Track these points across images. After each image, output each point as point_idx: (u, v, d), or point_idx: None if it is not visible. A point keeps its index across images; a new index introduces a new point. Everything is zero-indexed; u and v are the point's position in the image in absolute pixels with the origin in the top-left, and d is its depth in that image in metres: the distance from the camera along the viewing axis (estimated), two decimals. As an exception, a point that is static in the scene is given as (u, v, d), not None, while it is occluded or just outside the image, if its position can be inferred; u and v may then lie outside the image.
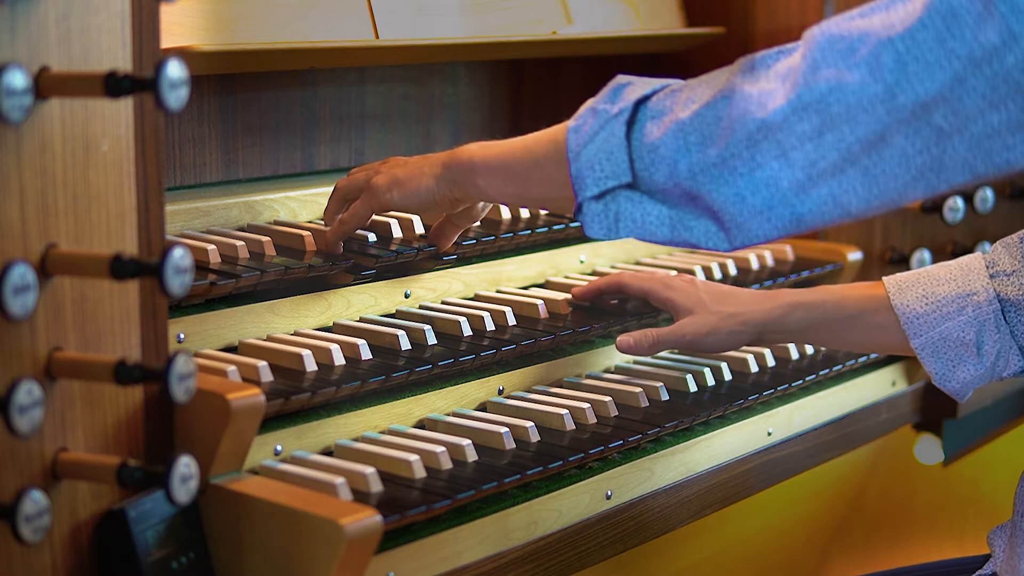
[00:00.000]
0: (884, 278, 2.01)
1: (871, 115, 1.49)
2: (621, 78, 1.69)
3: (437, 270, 2.10)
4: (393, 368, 1.83)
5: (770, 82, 1.55)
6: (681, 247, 1.68)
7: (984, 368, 1.95)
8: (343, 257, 1.96)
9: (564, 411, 1.91)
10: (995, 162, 1.47)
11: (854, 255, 2.54)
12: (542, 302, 2.10)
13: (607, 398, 1.97)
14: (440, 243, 2.03)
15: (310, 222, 2.10)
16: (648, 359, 2.20)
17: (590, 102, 1.70)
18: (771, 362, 2.25)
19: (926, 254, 2.67)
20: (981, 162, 1.47)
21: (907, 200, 1.53)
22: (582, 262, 2.35)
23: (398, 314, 2.04)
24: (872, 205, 1.53)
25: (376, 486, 1.65)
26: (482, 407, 1.97)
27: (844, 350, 2.30)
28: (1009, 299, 1.92)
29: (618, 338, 2.05)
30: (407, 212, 1.95)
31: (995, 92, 1.44)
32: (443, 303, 2.11)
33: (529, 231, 2.19)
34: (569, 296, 2.14)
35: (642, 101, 1.66)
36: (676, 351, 2.22)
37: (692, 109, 1.60)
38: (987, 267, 1.96)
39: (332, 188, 2.17)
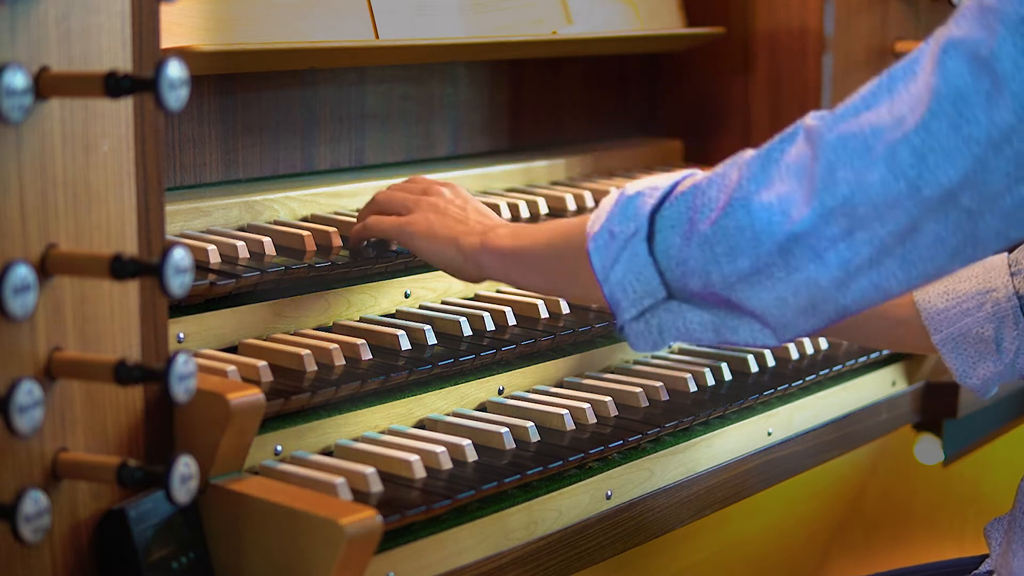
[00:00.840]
0: None
1: (899, 210, 1.47)
2: (629, 189, 1.65)
3: (437, 270, 2.11)
4: (393, 368, 1.83)
5: (785, 183, 1.52)
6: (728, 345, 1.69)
7: (1003, 365, 1.97)
8: (343, 257, 1.96)
9: (564, 411, 1.91)
10: None
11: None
12: (542, 302, 2.10)
13: (607, 398, 1.97)
14: None
15: (310, 222, 2.10)
16: (648, 359, 2.20)
17: (605, 213, 1.65)
18: (771, 362, 2.25)
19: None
20: (1015, 229, 1.46)
21: (948, 272, 1.52)
22: (582, 262, 2.35)
23: (398, 314, 2.04)
24: (914, 285, 1.52)
25: (376, 486, 1.65)
26: (482, 407, 1.96)
27: (870, 345, 2.32)
28: None
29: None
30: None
31: (1020, 168, 1.41)
32: (443, 303, 2.11)
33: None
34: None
35: (655, 211, 1.62)
36: (674, 350, 2.22)
37: (711, 219, 1.56)
38: (1009, 265, 1.98)
39: (332, 188, 2.18)
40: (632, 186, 1.65)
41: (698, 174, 1.64)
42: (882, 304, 1.57)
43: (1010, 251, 2.01)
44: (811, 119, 1.53)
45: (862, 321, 2.03)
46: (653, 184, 1.64)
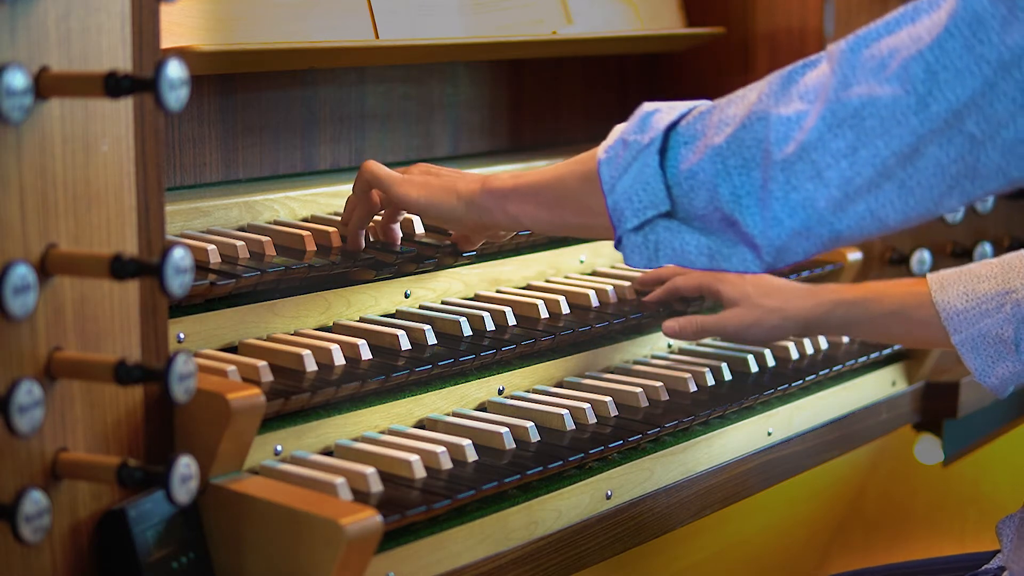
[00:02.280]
0: (928, 274, 2.08)
1: (905, 127, 1.48)
2: (648, 106, 1.68)
3: (437, 270, 2.11)
4: (393, 368, 1.83)
5: (802, 102, 1.54)
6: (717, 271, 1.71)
7: (1022, 365, 2.00)
8: (343, 257, 1.96)
9: (564, 411, 1.91)
10: None
11: (854, 255, 2.54)
12: (542, 302, 2.10)
13: (607, 398, 1.97)
14: (464, 246, 2.04)
15: (310, 222, 2.10)
16: (648, 358, 2.21)
17: (619, 131, 1.69)
18: (771, 362, 2.25)
19: (926, 254, 2.67)
20: (1015, 167, 1.47)
21: (944, 210, 1.53)
22: (582, 262, 2.35)
23: (398, 314, 2.04)
24: (909, 217, 1.53)
25: (376, 486, 1.65)
26: (482, 407, 1.97)
27: (890, 343, 2.38)
28: None
29: (664, 323, 2.13)
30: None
31: None
32: (443, 303, 2.11)
33: (529, 231, 2.19)
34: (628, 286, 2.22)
35: (672, 127, 1.64)
36: (689, 345, 2.22)
37: (727, 133, 1.58)
38: None
39: (332, 188, 2.18)
40: (650, 104, 1.68)
41: (721, 100, 1.65)
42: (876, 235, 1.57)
43: None
44: (834, 44, 1.55)
45: (883, 322, 2.07)
46: (672, 104, 1.67)
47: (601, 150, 1.69)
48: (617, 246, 1.68)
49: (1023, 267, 1.99)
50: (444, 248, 2.05)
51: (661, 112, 1.66)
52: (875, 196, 1.52)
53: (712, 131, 1.60)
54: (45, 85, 1.37)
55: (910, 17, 1.52)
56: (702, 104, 1.66)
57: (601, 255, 2.37)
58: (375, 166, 1.94)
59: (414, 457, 1.71)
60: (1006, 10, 1.42)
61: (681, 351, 2.27)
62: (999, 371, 2.01)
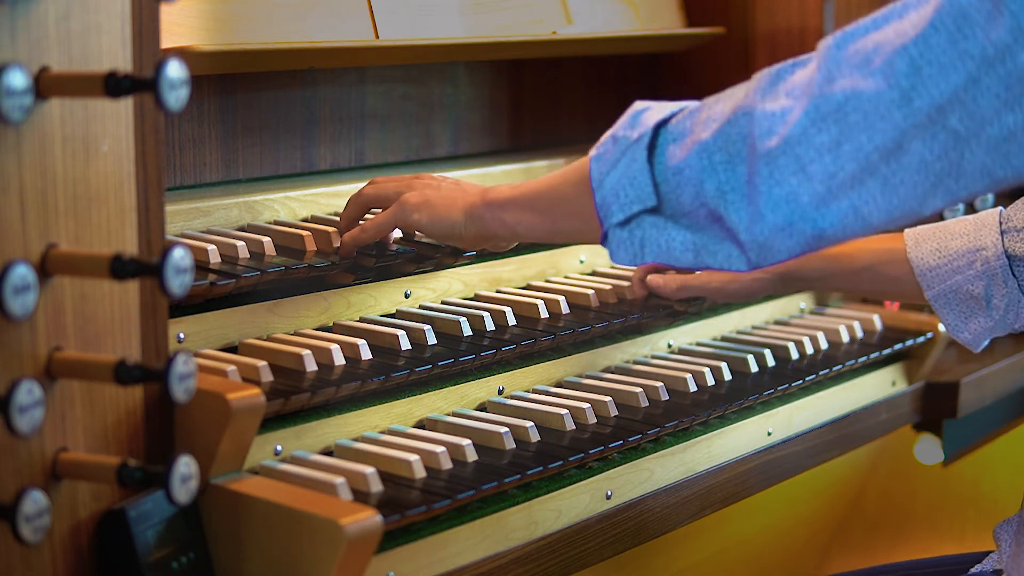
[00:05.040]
0: (906, 230, 2.11)
1: (888, 121, 1.48)
2: (639, 104, 1.68)
3: (437, 270, 2.11)
4: (393, 368, 1.83)
5: (788, 98, 1.54)
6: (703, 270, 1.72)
7: (994, 321, 2.05)
8: (343, 257, 1.96)
9: (564, 411, 1.91)
10: (1014, 165, 1.46)
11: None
12: (542, 302, 2.10)
13: (607, 398, 1.97)
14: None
15: (310, 222, 2.10)
16: (648, 358, 2.20)
17: (611, 130, 1.70)
18: (771, 362, 2.25)
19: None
20: (1000, 166, 1.46)
21: (928, 210, 1.52)
22: (582, 262, 2.35)
23: (398, 314, 2.04)
24: (894, 216, 1.52)
25: (376, 486, 1.65)
26: (482, 407, 1.97)
27: (867, 296, 2.45)
28: (1016, 255, 2.01)
29: (649, 277, 2.19)
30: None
31: (1009, 92, 1.43)
32: (443, 303, 2.11)
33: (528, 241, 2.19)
34: (624, 286, 2.24)
35: (661, 124, 1.65)
36: (676, 350, 2.22)
37: (713, 128, 1.58)
38: (1000, 223, 2.03)
39: (332, 188, 2.18)
40: (641, 102, 1.69)
41: (710, 99, 1.66)
42: (864, 235, 1.57)
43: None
44: (822, 41, 1.56)
45: (856, 276, 2.13)
46: (663, 103, 1.68)
47: (592, 150, 1.69)
48: (603, 242, 1.68)
49: (995, 225, 2.02)
50: (444, 248, 2.05)
51: (652, 110, 1.66)
52: (858, 193, 1.51)
53: (699, 127, 1.60)
54: (45, 85, 1.37)
55: (898, 13, 1.51)
56: (693, 104, 1.66)
57: (601, 255, 2.37)
58: (374, 223, 1.94)
59: (414, 457, 1.71)
60: (991, 5, 1.42)
61: (681, 351, 2.27)
62: (972, 326, 2.07)
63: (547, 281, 2.27)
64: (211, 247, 1.87)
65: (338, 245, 1.98)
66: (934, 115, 1.46)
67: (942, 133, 1.46)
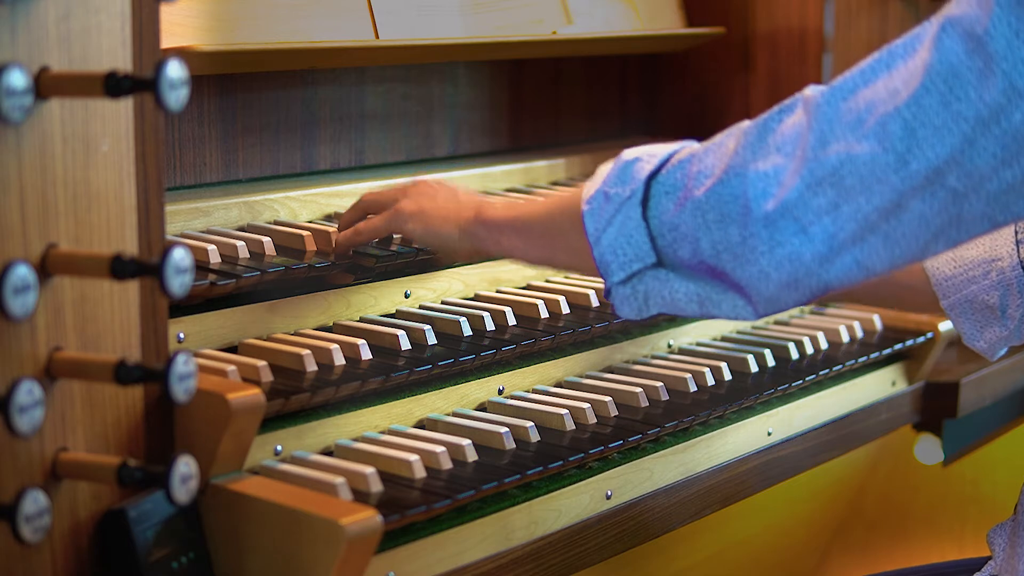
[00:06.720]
0: None
1: (885, 184, 1.47)
2: (627, 153, 1.66)
3: (437, 270, 2.11)
4: (393, 368, 1.83)
5: (779, 154, 1.53)
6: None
7: (1009, 330, 2.04)
8: (338, 257, 1.96)
9: (564, 411, 1.91)
10: (1013, 211, 1.45)
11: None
12: (542, 302, 2.10)
13: (607, 398, 1.97)
14: None
15: (310, 222, 2.10)
16: (648, 358, 2.20)
17: (601, 177, 1.67)
18: (771, 362, 2.25)
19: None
20: (1000, 213, 1.46)
21: (931, 254, 1.52)
22: (582, 262, 2.35)
23: (398, 314, 2.04)
24: (896, 264, 1.52)
25: (376, 486, 1.65)
26: (482, 407, 1.97)
27: (880, 307, 2.43)
28: None
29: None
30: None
31: (1006, 151, 1.41)
32: (443, 303, 2.11)
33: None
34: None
35: (652, 176, 1.63)
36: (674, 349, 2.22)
37: (706, 186, 1.57)
38: (1016, 233, 2.02)
39: (332, 188, 2.18)
40: (630, 152, 1.66)
41: (695, 144, 1.64)
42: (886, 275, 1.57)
43: None
44: (810, 91, 1.54)
45: (872, 286, 2.08)
46: (651, 151, 1.65)
47: (584, 198, 1.67)
48: (607, 296, 1.68)
49: (1011, 235, 2.01)
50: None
51: (642, 161, 1.64)
52: (860, 248, 1.51)
53: (692, 182, 1.59)
54: (45, 85, 1.37)
55: (886, 64, 1.49)
56: (682, 150, 1.64)
57: (601, 255, 2.37)
58: (368, 225, 1.94)
59: (414, 457, 1.71)
60: (982, 63, 1.40)
61: (681, 351, 2.27)
62: (987, 336, 2.05)
63: (547, 281, 2.27)
64: (211, 247, 1.87)
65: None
66: (932, 176, 1.45)
67: (941, 191, 1.45)
